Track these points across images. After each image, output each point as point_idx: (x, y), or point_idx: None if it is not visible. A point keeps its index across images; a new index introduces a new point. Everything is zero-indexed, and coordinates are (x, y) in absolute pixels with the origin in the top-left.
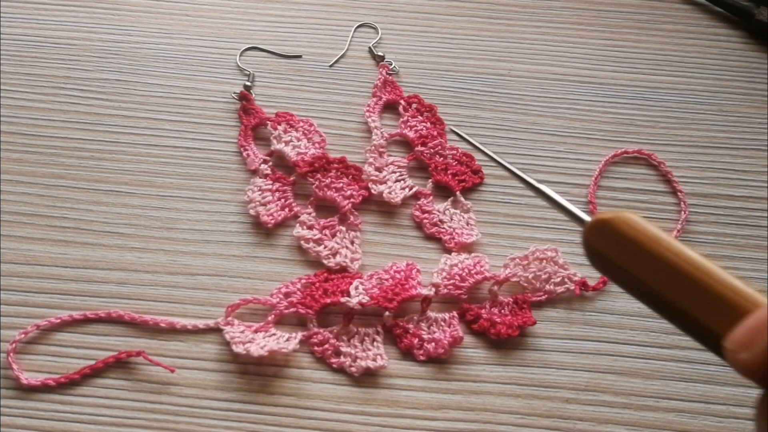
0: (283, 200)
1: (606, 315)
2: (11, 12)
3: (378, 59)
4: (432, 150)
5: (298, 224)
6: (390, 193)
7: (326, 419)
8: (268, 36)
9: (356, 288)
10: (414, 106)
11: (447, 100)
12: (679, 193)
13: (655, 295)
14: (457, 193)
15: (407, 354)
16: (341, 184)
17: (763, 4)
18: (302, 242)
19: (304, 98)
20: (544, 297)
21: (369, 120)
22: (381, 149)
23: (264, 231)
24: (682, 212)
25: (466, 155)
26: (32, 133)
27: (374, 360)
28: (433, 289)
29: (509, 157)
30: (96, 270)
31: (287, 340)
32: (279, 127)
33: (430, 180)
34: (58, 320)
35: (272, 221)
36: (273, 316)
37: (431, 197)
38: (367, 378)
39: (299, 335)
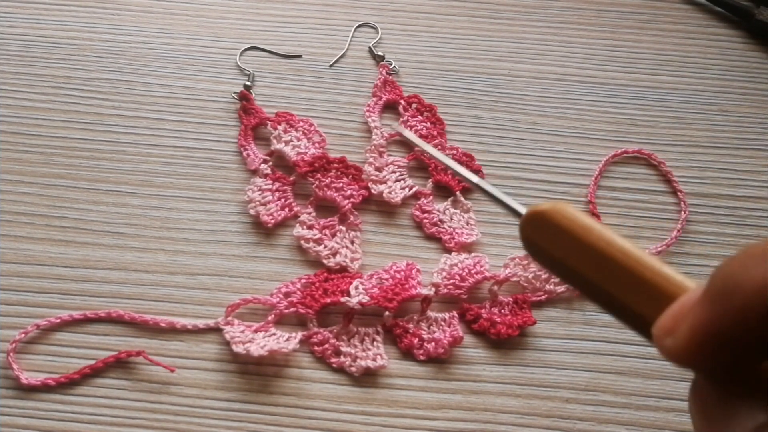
0: (283, 200)
1: (606, 315)
2: (11, 12)
3: (378, 59)
4: None
5: (298, 224)
6: (390, 193)
7: (326, 419)
8: (268, 36)
9: (356, 288)
10: (414, 106)
11: (447, 100)
12: (679, 193)
13: (589, 284)
14: (457, 193)
15: (407, 354)
16: (341, 184)
17: (763, 4)
18: (302, 242)
19: (304, 98)
20: (544, 297)
21: (369, 120)
22: (381, 149)
23: (264, 231)
24: (682, 212)
25: (466, 155)
26: (32, 133)
27: (374, 360)
28: (433, 289)
29: (509, 157)
30: (96, 270)
31: (287, 339)
32: (279, 127)
33: (430, 180)
34: (58, 320)
35: (272, 221)
36: (273, 315)
37: (431, 197)
38: (367, 378)
39: (299, 335)
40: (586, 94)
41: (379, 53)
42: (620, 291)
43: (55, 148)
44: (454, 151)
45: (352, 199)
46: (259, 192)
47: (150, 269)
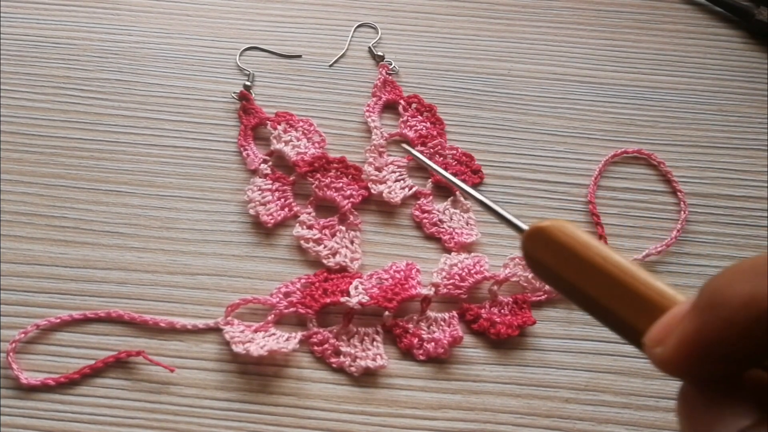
0: (282, 200)
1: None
2: (11, 12)
3: (378, 59)
4: (432, 150)
5: (297, 224)
6: (390, 192)
7: (326, 419)
8: (268, 36)
9: (356, 288)
10: (414, 105)
11: (447, 100)
12: (679, 193)
13: (586, 297)
14: (457, 193)
15: (407, 354)
16: (341, 184)
17: (763, 4)
18: (302, 242)
19: (304, 98)
20: (544, 297)
21: (369, 120)
22: (381, 149)
23: (264, 231)
24: (682, 212)
25: (466, 155)
26: (32, 133)
27: (374, 360)
28: (433, 289)
29: (509, 157)
30: (96, 270)
31: (287, 339)
32: (279, 126)
33: (430, 180)
34: (58, 320)
35: (272, 221)
36: (273, 315)
37: (431, 197)
38: (367, 378)
39: (299, 335)
40: (585, 94)
41: (379, 53)
42: (615, 304)
43: (55, 148)
44: (454, 151)
45: (351, 199)
46: (259, 192)
47: (150, 269)
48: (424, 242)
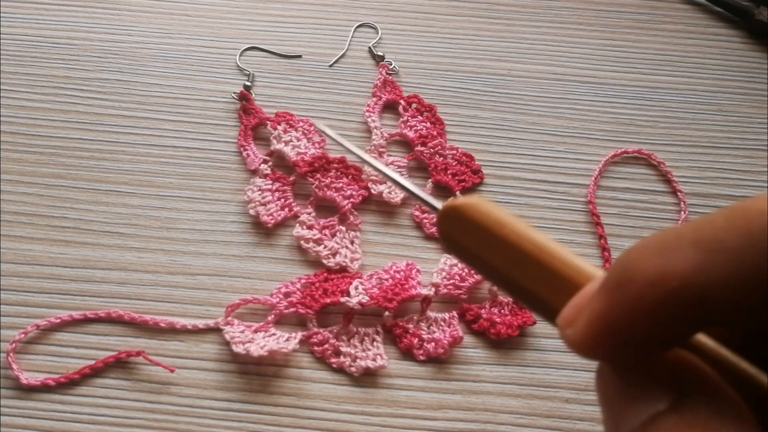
0: (283, 200)
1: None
2: (11, 12)
3: (378, 59)
4: (432, 150)
5: (298, 224)
6: (390, 193)
7: (326, 419)
8: (268, 36)
9: (356, 288)
10: (414, 106)
11: (447, 100)
12: (679, 193)
13: (504, 277)
14: (457, 193)
15: (407, 354)
16: (341, 184)
17: (763, 4)
18: (302, 242)
19: (304, 98)
20: None
21: (369, 120)
22: (381, 149)
23: (264, 231)
24: (682, 212)
25: (466, 155)
26: (32, 133)
27: (374, 360)
28: (433, 289)
29: (509, 157)
30: (96, 270)
31: (287, 340)
32: (279, 127)
33: (430, 180)
34: (58, 320)
35: (272, 221)
36: (273, 316)
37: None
38: (367, 378)
39: (299, 335)
40: (585, 94)
41: (379, 53)
42: (532, 283)
43: (55, 148)
44: (454, 151)
45: (351, 199)
46: (259, 192)
47: (150, 269)
48: (424, 242)
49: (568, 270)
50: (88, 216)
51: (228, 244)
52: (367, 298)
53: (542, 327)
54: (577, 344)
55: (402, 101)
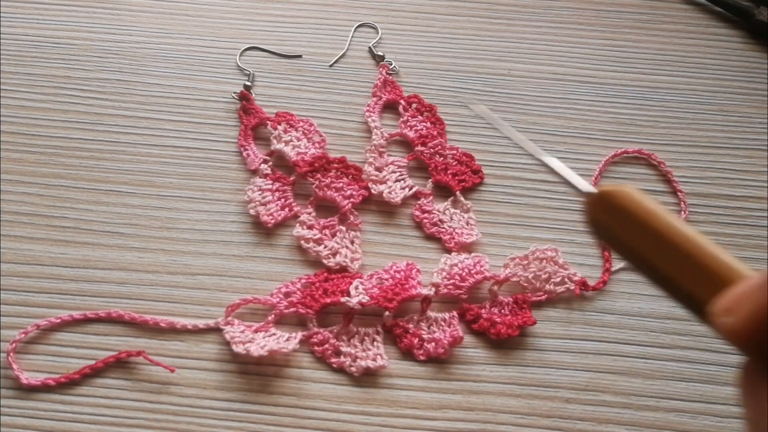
0: (283, 200)
1: (606, 315)
2: (11, 12)
3: (378, 59)
4: (432, 150)
5: (298, 224)
6: (390, 193)
7: (326, 419)
8: (268, 36)
9: (356, 288)
10: (414, 105)
11: (447, 100)
12: (679, 193)
13: (651, 266)
14: (457, 193)
15: (407, 354)
16: (341, 184)
17: (763, 4)
18: (302, 242)
19: (304, 98)
20: (544, 297)
21: (369, 120)
22: (381, 149)
23: (264, 231)
24: (682, 212)
25: (466, 155)
26: (32, 133)
27: (374, 360)
28: (433, 289)
29: (509, 157)
30: (96, 270)
31: (287, 340)
32: (279, 127)
33: (430, 180)
34: (58, 320)
35: (272, 221)
36: (273, 316)
37: (431, 197)
38: (367, 378)
39: (299, 335)
40: (586, 94)
41: (379, 53)
42: (678, 273)
43: (55, 148)
44: (454, 151)
45: (352, 199)
46: (259, 192)
47: (150, 269)
48: (424, 242)
49: (717, 264)
50: (88, 216)
51: (228, 244)
52: (367, 298)
53: (542, 327)
54: (734, 332)
55: (402, 101)
